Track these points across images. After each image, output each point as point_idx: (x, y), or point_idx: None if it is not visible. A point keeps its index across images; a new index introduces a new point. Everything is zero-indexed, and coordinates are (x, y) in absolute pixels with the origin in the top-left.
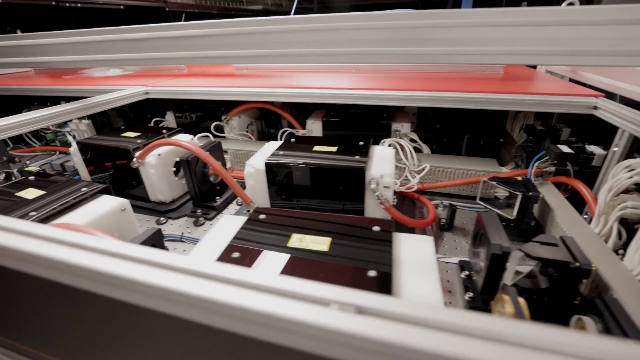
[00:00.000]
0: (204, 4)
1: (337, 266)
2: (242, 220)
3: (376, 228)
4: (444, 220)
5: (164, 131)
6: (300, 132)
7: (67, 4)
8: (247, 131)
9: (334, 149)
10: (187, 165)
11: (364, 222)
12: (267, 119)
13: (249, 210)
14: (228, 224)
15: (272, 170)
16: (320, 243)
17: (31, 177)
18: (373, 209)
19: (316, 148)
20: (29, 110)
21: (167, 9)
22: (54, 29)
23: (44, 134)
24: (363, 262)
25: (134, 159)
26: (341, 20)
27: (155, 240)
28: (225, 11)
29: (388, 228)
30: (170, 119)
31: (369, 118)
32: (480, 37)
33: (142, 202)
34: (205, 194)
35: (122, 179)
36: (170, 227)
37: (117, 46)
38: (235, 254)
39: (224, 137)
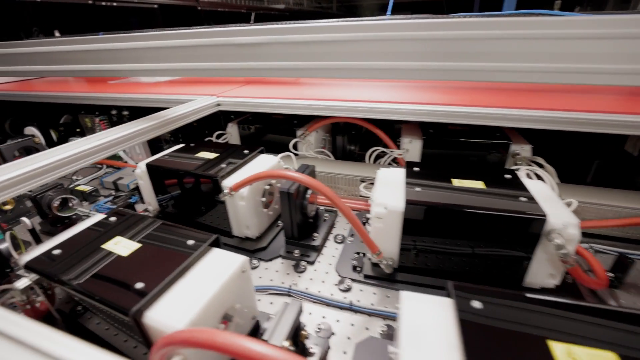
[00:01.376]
0: (234, 3)
1: None
2: (443, 305)
3: None
4: (611, 275)
5: (246, 151)
6: (396, 153)
7: (104, 3)
8: (321, 148)
9: (479, 183)
10: (287, 198)
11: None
12: (347, 135)
13: (361, 254)
14: (427, 314)
15: (414, 212)
16: None
17: (112, 218)
18: (543, 266)
19: (457, 182)
20: (69, 118)
21: (199, 8)
22: (90, 29)
23: None
24: None
25: (226, 191)
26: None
27: (298, 320)
28: (254, 10)
29: None
30: (233, 132)
31: (476, 137)
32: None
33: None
34: (301, 229)
35: (191, 206)
36: (266, 273)
37: (176, 54)
38: None
39: (296, 154)
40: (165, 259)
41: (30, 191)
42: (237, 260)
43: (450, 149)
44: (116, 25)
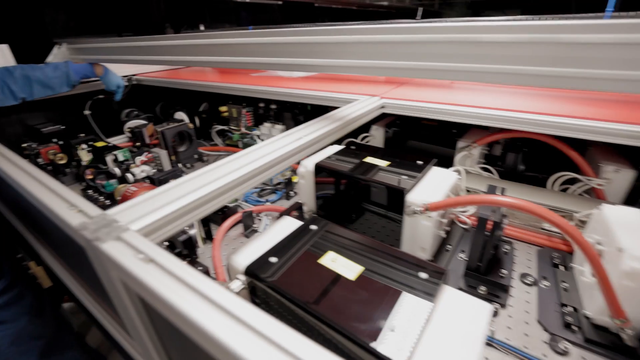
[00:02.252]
0: (345, 0)
1: None
2: None
3: None
4: None
5: (420, 162)
6: (595, 183)
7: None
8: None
9: None
10: (484, 226)
11: None
12: (521, 152)
13: (570, 307)
14: None
15: None
16: None
17: (313, 226)
18: None
19: None
20: (207, 105)
21: (315, 5)
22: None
23: (230, 134)
24: None
25: (418, 209)
26: None
27: None
28: (363, 7)
29: None
30: (377, 135)
31: None
32: None
33: None
34: (488, 263)
35: (342, 211)
36: None
37: (325, 50)
38: None
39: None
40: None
41: None
42: (486, 309)
43: None
44: (244, 21)
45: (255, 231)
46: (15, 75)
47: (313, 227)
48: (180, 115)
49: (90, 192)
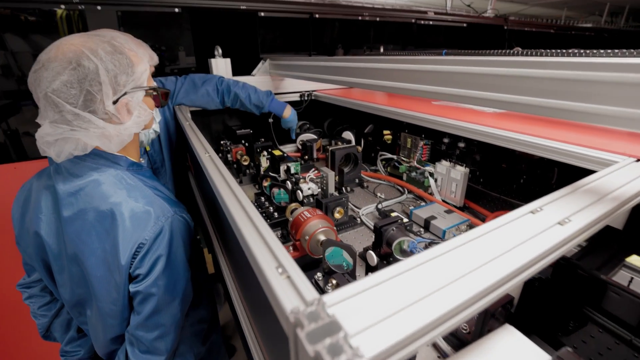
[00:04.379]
0: (543, 22)
1: None
2: None
3: None
4: None
5: None
6: None
7: (422, 22)
8: None
9: None
10: None
11: None
12: None
13: None
14: None
15: None
16: None
17: None
18: None
19: None
20: (372, 128)
21: (505, 27)
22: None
23: (398, 164)
24: None
25: None
26: None
27: None
28: (562, 30)
29: None
30: None
31: None
32: None
33: None
34: None
35: (552, 308)
36: None
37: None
38: None
39: None
40: None
41: (379, 208)
42: None
43: None
44: (426, 44)
45: None
46: (231, 93)
47: None
48: (348, 135)
49: (262, 198)
